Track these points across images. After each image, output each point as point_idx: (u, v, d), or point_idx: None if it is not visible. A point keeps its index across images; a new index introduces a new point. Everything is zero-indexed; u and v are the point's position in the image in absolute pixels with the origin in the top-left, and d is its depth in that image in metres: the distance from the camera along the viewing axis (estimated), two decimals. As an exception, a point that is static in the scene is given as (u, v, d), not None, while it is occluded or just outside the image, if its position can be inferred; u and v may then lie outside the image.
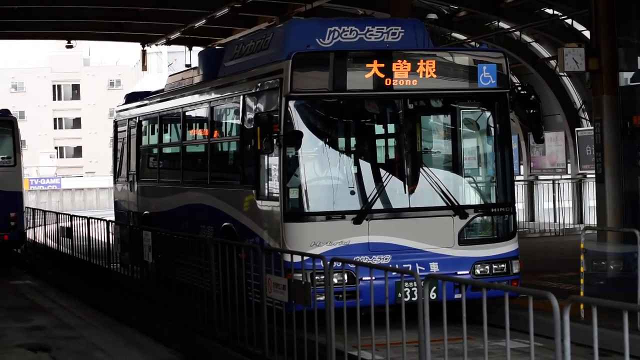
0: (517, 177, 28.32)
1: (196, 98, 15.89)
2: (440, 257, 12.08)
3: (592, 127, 16.50)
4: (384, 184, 12.23)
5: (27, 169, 68.70)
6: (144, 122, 18.93)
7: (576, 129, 28.41)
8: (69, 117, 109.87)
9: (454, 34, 29.18)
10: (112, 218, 20.26)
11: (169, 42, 34.07)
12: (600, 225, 15.59)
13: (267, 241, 12.38)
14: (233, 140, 14.38)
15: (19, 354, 12.26)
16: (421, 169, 12.40)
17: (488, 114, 12.78)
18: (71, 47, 34.52)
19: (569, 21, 26.07)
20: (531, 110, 12.62)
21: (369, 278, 8.48)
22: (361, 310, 8.62)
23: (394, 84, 12.07)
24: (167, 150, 18.17)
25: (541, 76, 28.49)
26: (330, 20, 13.61)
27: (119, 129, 20.50)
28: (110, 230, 18.09)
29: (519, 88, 12.81)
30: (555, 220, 27.91)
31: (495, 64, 12.46)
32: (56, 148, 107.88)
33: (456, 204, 12.32)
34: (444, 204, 12.30)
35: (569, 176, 29.20)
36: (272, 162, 12.23)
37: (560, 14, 25.91)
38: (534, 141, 13.24)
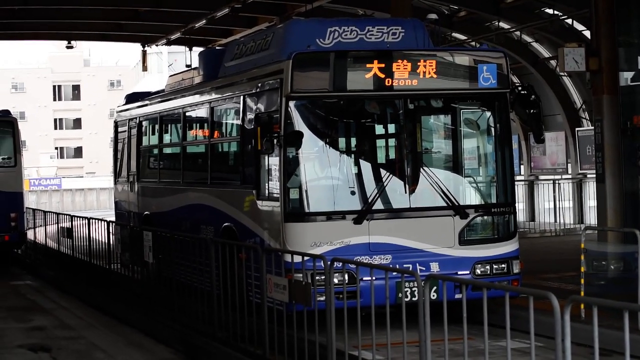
0: (518, 177, 28.30)
1: (196, 98, 15.89)
2: (440, 257, 12.08)
3: (593, 127, 16.49)
4: (385, 184, 12.23)
5: (28, 170, 68.74)
6: (144, 123, 18.93)
7: (576, 129, 28.41)
8: (69, 117, 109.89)
9: (454, 34, 29.18)
10: (113, 218, 20.27)
11: (169, 43, 34.08)
12: (601, 225, 15.59)
13: (267, 241, 12.38)
14: (233, 141, 14.38)
15: (20, 354, 12.27)
16: (421, 169, 12.39)
17: (488, 114, 12.78)
18: (71, 47, 34.53)
19: (569, 21, 26.07)
20: (531, 110, 12.62)
21: (370, 278, 8.48)
22: (362, 311, 8.62)
23: (394, 84, 12.07)
24: (167, 150, 18.18)
25: (541, 76, 28.49)
26: (331, 21, 13.61)
27: (120, 129, 20.51)
28: (111, 231, 18.10)
29: (519, 88, 12.81)
30: (555, 220, 27.91)
31: (496, 64, 12.46)
32: (56, 148, 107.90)
33: (456, 204, 12.32)
34: (445, 204, 12.29)
35: (570, 176, 29.19)
36: (273, 162, 12.23)
37: (560, 13, 25.92)
38: (534, 141, 13.24)
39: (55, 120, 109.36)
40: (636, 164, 15.10)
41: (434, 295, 10.73)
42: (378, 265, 11.16)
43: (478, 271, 12.24)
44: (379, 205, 12.08)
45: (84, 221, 20.54)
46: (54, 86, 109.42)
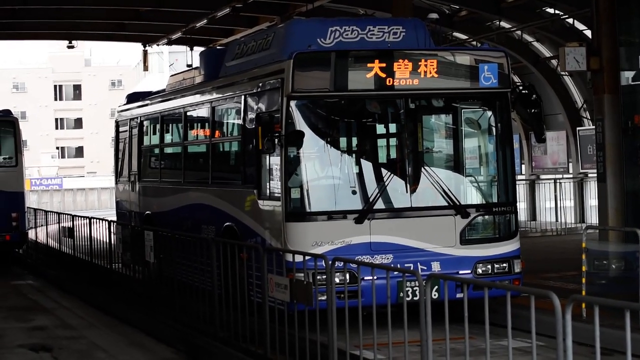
0: (519, 177, 28.32)
1: (197, 98, 15.89)
2: (442, 257, 12.08)
3: (594, 127, 16.50)
4: (386, 184, 12.23)
5: (29, 169, 68.71)
6: (145, 122, 18.93)
7: (577, 128, 28.40)
8: (70, 117, 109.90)
9: (455, 34, 29.18)
10: (114, 218, 20.27)
11: (170, 42, 34.08)
12: (602, 224, 15.59)
13: (268, 241, 12.38)
14: (234, 140, 14.38)
15: (21, 354, 12.27)
16: (423, 169, 12.40)
17: (489, 113, 12.78)
18: (72, 47, 34.52)
19: (570, 20, 26.08)
20: (532, 110, 12.62)
21: (371, 278, 8.48)
22: (363, 310, 8.62)
23: (395, 83, 12.07)
24: (168, 150, 18.18)
25: (542, 75, 28.48)
26: (332, 20, 13.61)
27: (121, 129, 20.51)
28: (112, 230, 18.10)
29: (520, 87, 12.82)
30: (556, 220, 27.92)
31: (497, 63, 12.46)
32: (58, 148, 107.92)
33: (458, 204, 12.32)
34: (446, 204, 12.30)
35: (571, 175, 29.19)
36: (274, 162, 12.23)
37: (561, 13, 25.91)
38: (535, 140, 13.26)
39: (56, 120, 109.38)
40: (637, 163, 15.09)
41: (435, 295, 10.72)
42: (379, 264, 11.17)
43: (479, 270, 12.24)
44: (380, 204, 12.08)
45: (85, 221, 20.56)
46: (55, 86, 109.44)
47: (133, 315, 14.48)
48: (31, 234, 26.61)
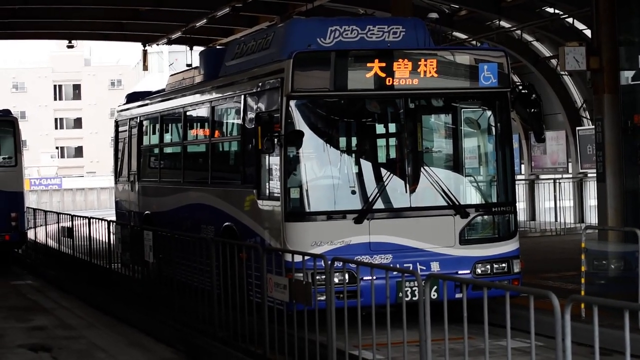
0: (518, 177, 28.32)
1: (197, 98, 15.88)
2: (441, 257, 12.07)
3: (593, 126, 16.49)
4: (385, 184, 12.22)
5: (28, 169, 68.75)
6: (145, 122, 18.93)
7: (577, 128, 28.40)
8: (70, 117, 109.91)
9: (454, 33, 29.18)
10: (113, 218, 20.26)
11: (169, 42, 34.08)
12: (601, 224, 15.59)
13: (268, 241, 12.37)
14: (234, 140, 14.37)
15: (20, 354, 12.27)
16: (422, 169, 12.39)
17: (489, 113, 12.77)
18: (72, 47, 34.53)
19: (569, 20, 26.06)
20: (532, 110, 12.62)
21: (370, 277, 8.48)
22: (362, 310, 8.61)
23: (395, 83, 12.07)
24: (168, 150, 18.18)
25: (542, 75, 28.48)
26: (331, 20, 13.61)
27: (120, 128, 20.51)
28: (112, 230, 18.09)
29: (520, 87, 12.81)
30: (556, 220, 27.91)
31: (496, 63, 12.46)
32: (57, 148, 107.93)
33: (457, 204, 12.31)
34: (445, 204, 12.29)
35: (570, 175, 29.19)
36: (273, 161, 12.23)
37: (561, 12, 25.91)
38: (534, 140, 13.24)
39: (55, 119, 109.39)
40: (637, 163, 15.09)
41: (434, 295, 10.70)
42: (378, 264, 11.16)
43: (478, 270, 12.24)
44: (379, 204, 12.07)
45: (84, 221, 20.54)
46: (55, 86, 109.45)
47: (132, 315, 14.48)
48: (30, 234, 26.61)
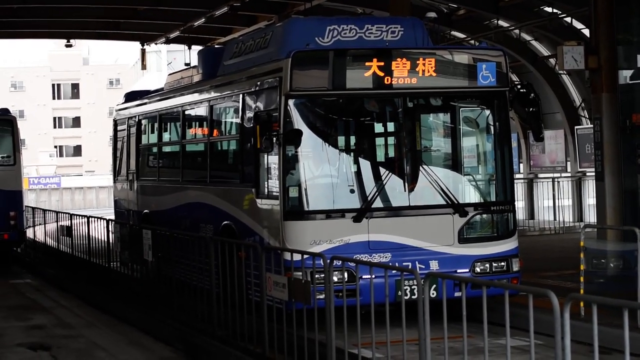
0: (517, 175, 28.31)
1: (196, 97, 15.89)
2: (440, 255, 12.08)
3: (592, 125, 16.50)
4: (384, 182, 12.23)
5: (27, 168, 68.73)
6: (143, 121, 18.93)
7: (576, 127, 28.40)
8: (68, 116, 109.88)
9: (453, 33, 29.16)
10: (112, 217, 20.26)
11: (168, 41, 34.04)
12: (600, 223, 15.60)
13: (267, 240, 12.38)
14: (233, 139, 14.38)
15: (20, 353, 12.27)
16: (421, 167, 12.39)
17: (487, 112, 12.78)
18: (70, 46, 34.52)
19: (568, 19, 26.05)
20: (531, 109, 12.63)
21: (369, 276, 8.48)
22: (361, 309, 8.61)
23: (393, 82, 12.07)
24: (166, 149, 18.17)
25: (540, 74, 28.47)
26: (330, 19, 13.61)
27: (119, 127, 20.50)
28: (110, 229, 18.08)
29: (519, 86, 12.83)
30: (555, 219, 27.91)
31: (495, 62, 12.46)
32: (56, 147, 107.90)
33: (456, 202, 12.32)
34: (444, 202, 12.30)
35: (569, 174, 29.19)
36: (272, 160, 12.23)
37: (559, 12, 25.90)
38: (533, 139, 13.27)
39: (54, 118, 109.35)
40: (635, 162, 15.11)
41: (433, 294, 10.71)
42: (377, 263, 11.16)
43: (477, 269, 12.25)
44: (378, 203, 12.08)
45: (83, 220, 20.54)
46: (53, 85, 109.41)
47: (131, 314, 14.48)
48: (29, 233, 26.60)
